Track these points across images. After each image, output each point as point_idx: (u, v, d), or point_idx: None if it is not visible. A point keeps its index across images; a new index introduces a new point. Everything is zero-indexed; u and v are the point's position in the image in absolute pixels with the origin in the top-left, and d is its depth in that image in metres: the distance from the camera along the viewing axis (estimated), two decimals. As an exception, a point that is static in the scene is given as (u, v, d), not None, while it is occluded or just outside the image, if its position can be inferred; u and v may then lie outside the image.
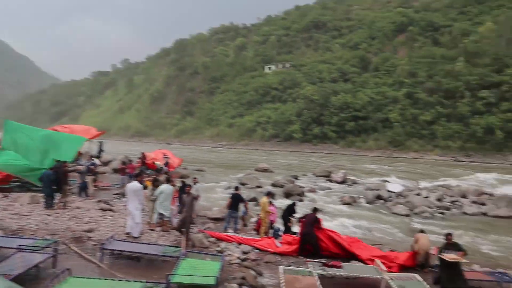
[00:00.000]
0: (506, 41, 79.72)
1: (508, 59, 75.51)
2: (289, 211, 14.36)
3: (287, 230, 13.81)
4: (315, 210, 12.92)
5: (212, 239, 12.36)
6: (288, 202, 18.29)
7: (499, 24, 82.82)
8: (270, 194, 14.91)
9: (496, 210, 22.01)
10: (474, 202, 24.30)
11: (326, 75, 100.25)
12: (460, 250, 8.99)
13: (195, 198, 12.04)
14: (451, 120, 75.00)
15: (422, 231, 12.68)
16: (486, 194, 25.93)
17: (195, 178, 18.16)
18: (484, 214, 22.04)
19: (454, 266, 8.67)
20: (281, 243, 12.32)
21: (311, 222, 12.26)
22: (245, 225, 15.17)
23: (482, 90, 73.86)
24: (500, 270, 11.63)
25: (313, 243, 12.02)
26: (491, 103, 72.25)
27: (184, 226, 11.33)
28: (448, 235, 9.38)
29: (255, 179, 28.83)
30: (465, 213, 22.28)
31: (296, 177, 32.33)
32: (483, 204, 23.70)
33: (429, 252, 11.58)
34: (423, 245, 11.59)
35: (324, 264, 10.33)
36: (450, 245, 9.14)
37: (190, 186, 12.84)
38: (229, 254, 11.01)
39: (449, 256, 8.68)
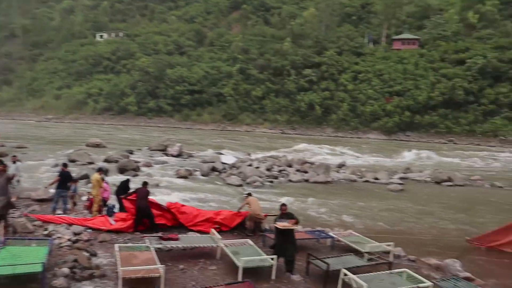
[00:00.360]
0: (325, 27, 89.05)
1: (327, 43, 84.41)
2: (123, 187, 13.90)
3: (122, 207, 13.39)
4: (145, 184, 12.71)
5: (38, 223, 11.29)
6: (122, 178, 17.71)
7: (320, 11, 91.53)
8: (102, 170, 14.22)
9: (316, 177, 24.74)
10: (298, 170, 26.87)
11: (162, 47, 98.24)
12: (292, 219, 9.87)
13: (10, 178, 10.61)
14: (279, 96, 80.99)
15: (250, 194, 13.54)
16: (308, 163, 28.88)
17: (14, 156, 16.15)
18: (306, 180, 24.59)
19: (286, 233, 9.51)
20: (115, 220, 11.90)
21: (144, 196, 12.05)
22: (75, 204, 14.21)
23: (305, 69, 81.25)
24: (318, 228, 13.21)
25: (149, 217, 11.88)
26: (313, 81, 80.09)
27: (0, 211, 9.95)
28: (283, 206, 10.24)
29: (86, 155, 27.09)
30: (290, 181, 24.53)
31: (130, 152, 31.37)
32: (305, 172, 26.39)
33: (261, 215, 12.49)
34: (255, 209, 12.44)
35: (161, 238, 10.35)
36: (284, 214, 9.97)
37: (5, 165, 11.30)
38: (59, 237, 10.20)
39: (282, 224, 9.51)
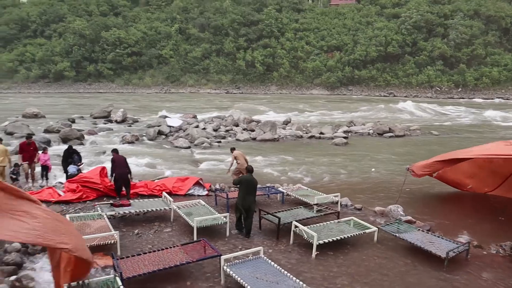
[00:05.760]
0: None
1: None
2: (69, 154, 13.57)
3: (68, 175, 13.14)
4: (117, 151, 12.28)
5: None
6: (65, 147, 17.15)
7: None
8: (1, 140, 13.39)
9: (263, 135, 25.07)
10: (245, 129, 27.12)
11: (94, 8, 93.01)
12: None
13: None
14: (220, 56, 79.96)
15: (233, 148, 13.70)
16: (254, 121, 29.15)
17: None
18: (254, 139, 24.88)
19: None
20: (64, 191, 11.61)
21: (124, 163, 11.64)
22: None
23: (244, 27, 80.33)
24: (268, 184, 13.55)
25: (129, 184, 11.65)
26: (252, 40, 79.55)
27: None
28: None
29: (25, 126, 25.68)
30: (238, 140, 24.72)
31: (72, 121, 30.21)
32: (252, 130, 26.68)
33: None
34: (243, 163, 12.79)
35: (113, 205, 10.25)
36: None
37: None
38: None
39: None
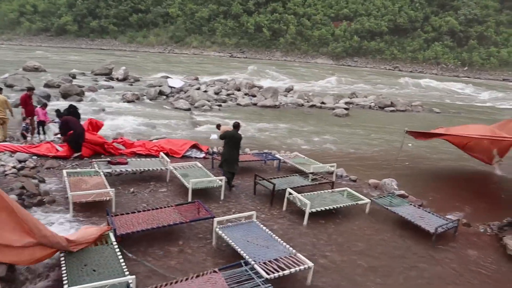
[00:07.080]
0: None
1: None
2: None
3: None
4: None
5: (-24, 150, 10.81)
6: (66, 103, 17.13)
7: None
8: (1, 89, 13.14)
9: (264, 101, 24.98)
10: (246, 94, 26.98)
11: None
12: None
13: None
14: (228, 18, 78.51)
15: (219, 125, 13.49)
16: (256, 86, 28.96)
17: None
18: (255, 104, 24.81)
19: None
20: (62, 146, 11.66)
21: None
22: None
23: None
24: (265, 150, 13.63)
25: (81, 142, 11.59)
26: (260, 3, 77.90)
27: None
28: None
29: (25, 79, 25.46)
30: (239, 105, 24.65)
31: (73, 76, 29.98)
32: (253, 95, 26.54)
33: None
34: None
35: (110, 162, 10.32)
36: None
37: None
38: (2, 165, 9.87)
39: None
